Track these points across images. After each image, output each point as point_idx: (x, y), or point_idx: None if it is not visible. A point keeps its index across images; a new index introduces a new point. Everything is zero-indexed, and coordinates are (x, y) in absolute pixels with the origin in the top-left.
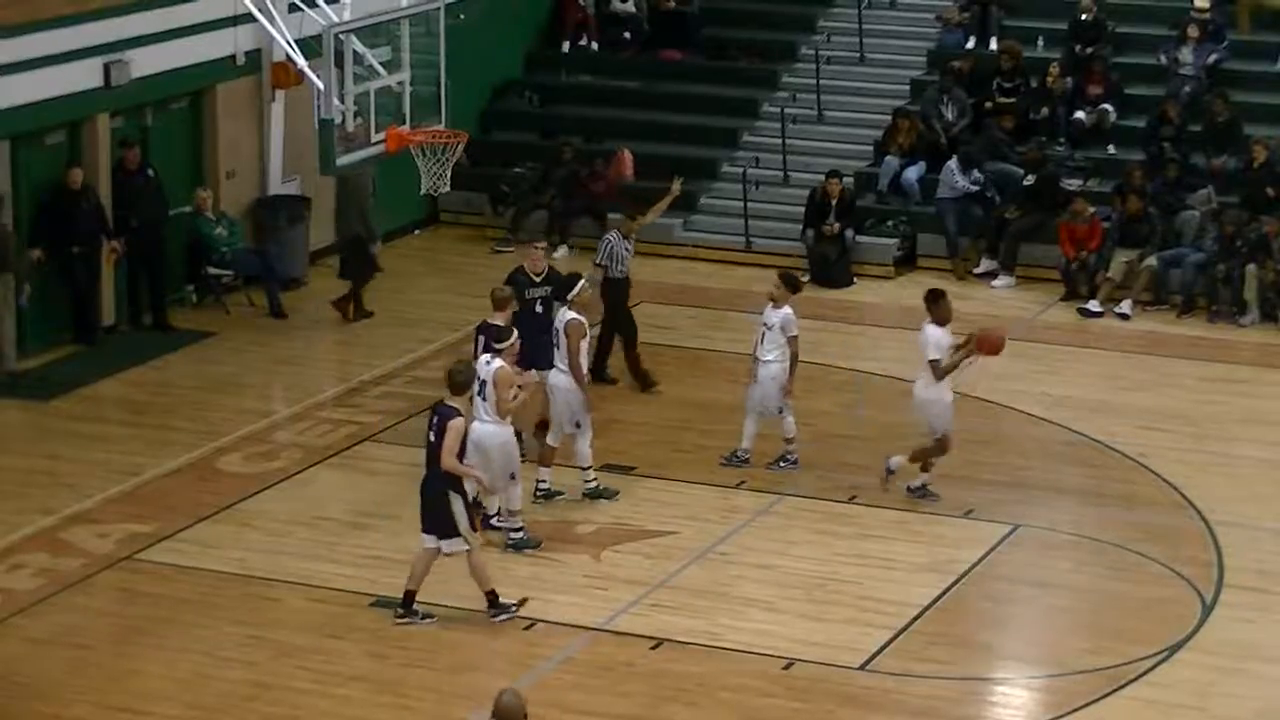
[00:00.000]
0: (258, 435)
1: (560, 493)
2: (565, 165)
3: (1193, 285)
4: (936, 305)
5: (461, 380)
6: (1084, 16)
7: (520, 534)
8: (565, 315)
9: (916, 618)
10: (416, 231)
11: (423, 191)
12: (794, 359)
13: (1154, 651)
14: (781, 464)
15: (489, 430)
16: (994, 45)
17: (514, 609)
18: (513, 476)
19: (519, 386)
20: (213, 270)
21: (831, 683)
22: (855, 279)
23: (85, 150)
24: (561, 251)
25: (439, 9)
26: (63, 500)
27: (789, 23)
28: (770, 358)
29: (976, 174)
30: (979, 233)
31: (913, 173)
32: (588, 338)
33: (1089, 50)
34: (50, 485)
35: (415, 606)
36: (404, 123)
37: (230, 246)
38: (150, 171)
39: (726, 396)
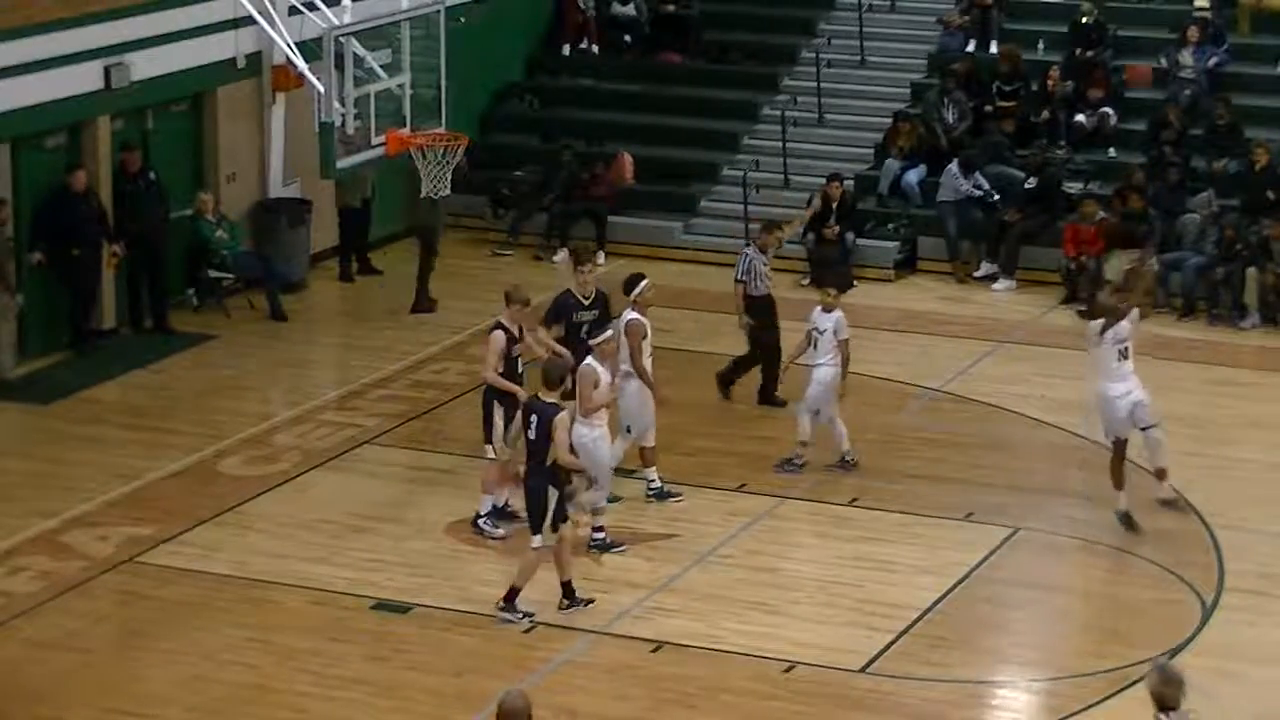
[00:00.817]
0: (258, 438)
1: (676, 495)
2: (565, 167)
3: (1193, 288)
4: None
5: (555, 375)
6: (1085, 19)
7: (601, 535)
8: (626, 315)
9: (917, 620)
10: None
11: (423, 194)
12: (846, 362)
13: (1155, 654)
14: (788, 467)
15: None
16: (994, 48)
17: (582, 604)
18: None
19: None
20: (213, 273)
21: (832, 685)
22: (856, 282)
23: (86, 153)
24: (561, 255)
25: (439, 12)
26: (63, 503)
27: (789, 26)
28: (823, 361)
29: (979, 178)
30: (980, 236)
31: (913, 176)
32: (648, 338)
33: (1089, 54)
34: (50, 488)
35: (517, 603)
36: (404, 125)
37: (230, 249)
38: (152, 175)
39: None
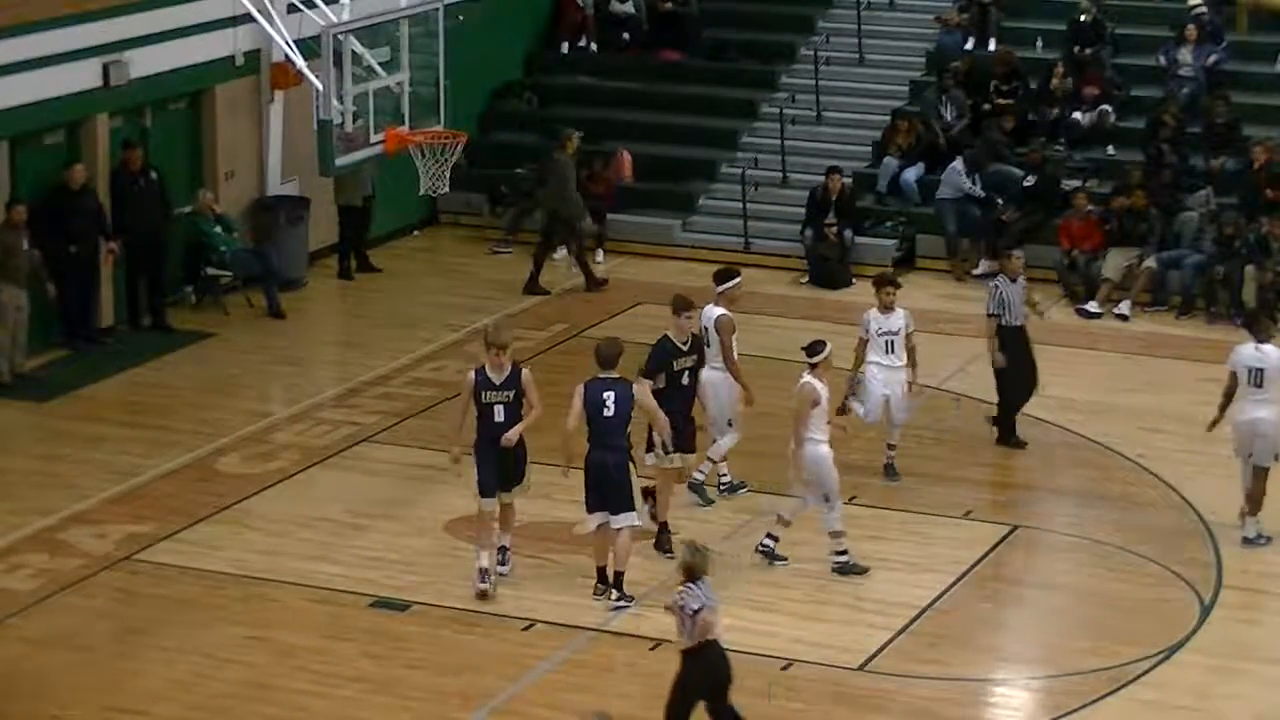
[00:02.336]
0: (257, 436)
1: (743, 485)
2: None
3: (1191, 287)
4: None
5: (611, 354)
6: (1083, 18)
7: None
8: (714, 311)
9: (915, 618)
10: (415, 232)
11: (421, 192)
12: (913, 354)
13: (1153, 652)
14: (894, 475)
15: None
16: (993, 46)
17: (626, 604)
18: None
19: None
20: (212, 271)
21: (830, 683)
22: (854, 279)
23: (84, 151)
24: (560, 254)
25: (438, 10)
26: (62, 501)
27: (788, 24)
28: (902, 363)
29: (978, 178)
30: (978, 234)
31: (911, 174)
32: (736, 331)
33: (1088, 51)
34: (49, 486)
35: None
36: (403, 123)
37: (229, 247)
38: (153, 174)
39: None
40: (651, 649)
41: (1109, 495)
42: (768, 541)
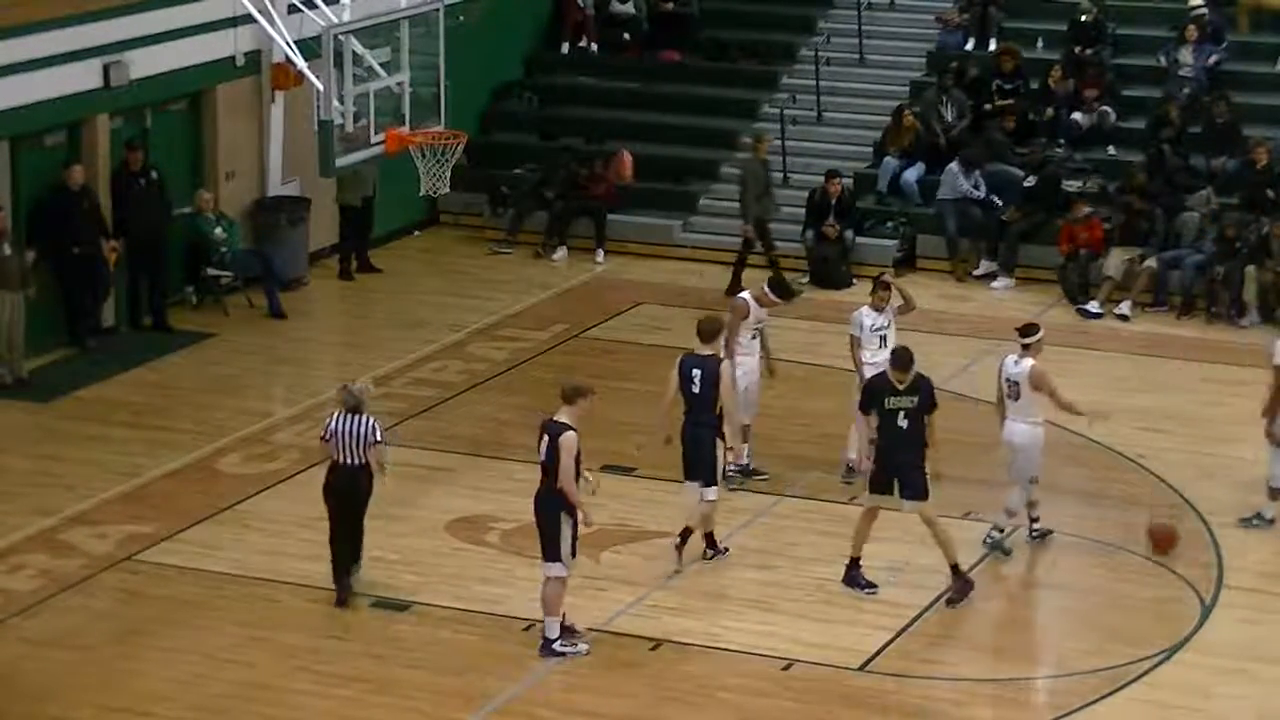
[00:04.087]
0: (257, 436)
1: (763, 474)
2: (564, 165)
3: (1192, 287)
4: None
5: (711, 329)
6: (1083, 18)
7: (999, 534)
8: (1025, 364)
9: (916, 619)
10: (416, 232)
11: (422, 192)
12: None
13: (1154, 652)
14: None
15: (1020, 429)
16: (993, 46)
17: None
18: (1034, 480)
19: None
20: (212, 271)
21: (831, 683)
22: (855, 280)
23: (85, 151)
24: (560, 254)
25: (439, 10)
26: (62, 501)
27: (788, 24)
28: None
29: (978, 179)
30: (979, 234)
31: (912, 174)
32: (749, 319)
33: (1088, 52)
34: (50, 486)
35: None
36: (404, 124)
37: (230, 247)
38: (154, 174)
39: None
40: (652, 649)
41: (1110, 495)
42: (994, 533)
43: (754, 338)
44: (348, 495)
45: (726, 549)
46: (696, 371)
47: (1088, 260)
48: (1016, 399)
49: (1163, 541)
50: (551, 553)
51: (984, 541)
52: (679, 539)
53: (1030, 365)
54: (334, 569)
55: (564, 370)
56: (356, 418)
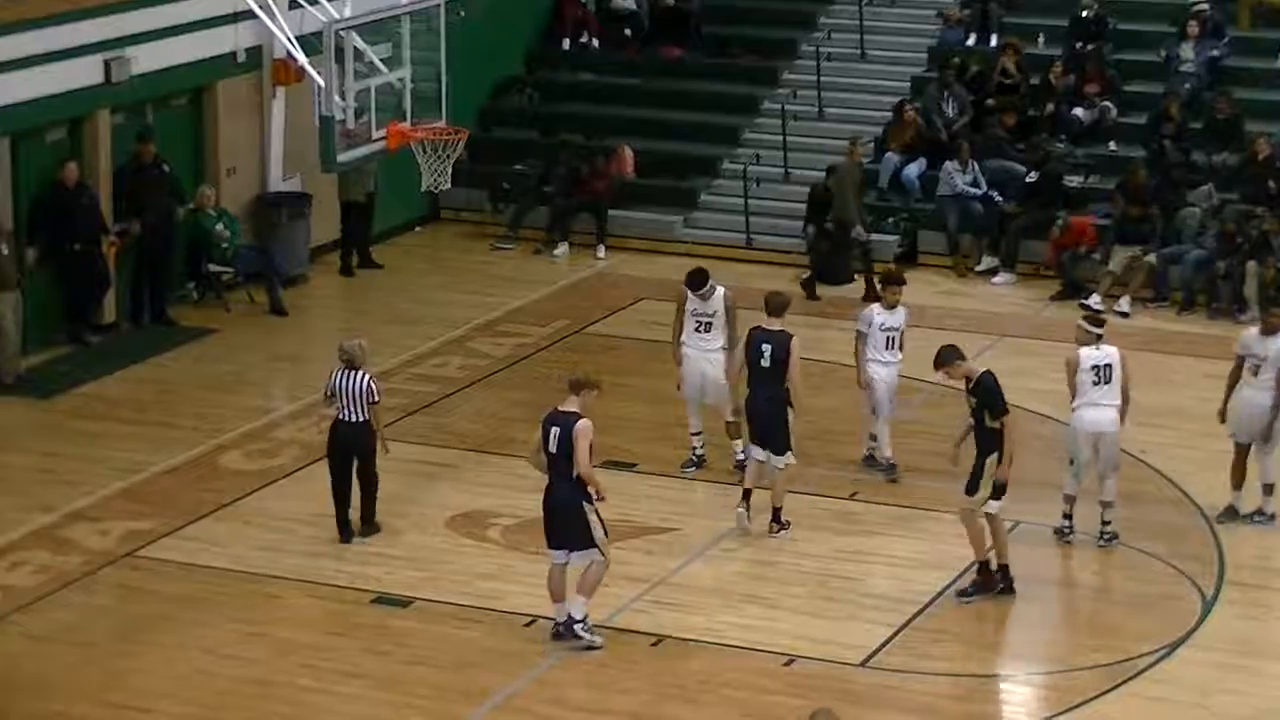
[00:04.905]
0: (258, 432)
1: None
2: (565, 161)
3: (1193, 282)
4: None
5: (779, 304)
6: (1085, 13)
7: (1110, 527)
8: (1110, 348)
9: (917, 614)
10: (417, 228)
11: (423, 188)
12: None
13: (1155, 648)
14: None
15: (1109, 416)
16: (994, 41)
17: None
18: (1115, 468)
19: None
20: (213, 267)
21: (832, 679)
22: (856, 275)
23: (86, 147)
24: (561, 250)
25: (439, 6)
26: (64, 497)
27: (789, 19)
28: (899, 359)
29: (976, 174)
30: (980, 230)
31: (913, 170)
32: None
33: (1089, 47)
34: (51, 482)
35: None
36: (405, 119)
37: (231, 244)
38: (165, 167)
39: None
40: (653, 645)
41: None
42: (1108, 529)
43: (698, 329)
44: (349, 451)
45: (788, 523)
46: (766, 346)
47: (1086, 255)
48: (1109, 382)
49: None
50: (585, 541)
51: (1100, 543)
52: (743, 501)
53: (1116, 350)
54: (338, 512)
55: (565, 366)
56: (353, 374)
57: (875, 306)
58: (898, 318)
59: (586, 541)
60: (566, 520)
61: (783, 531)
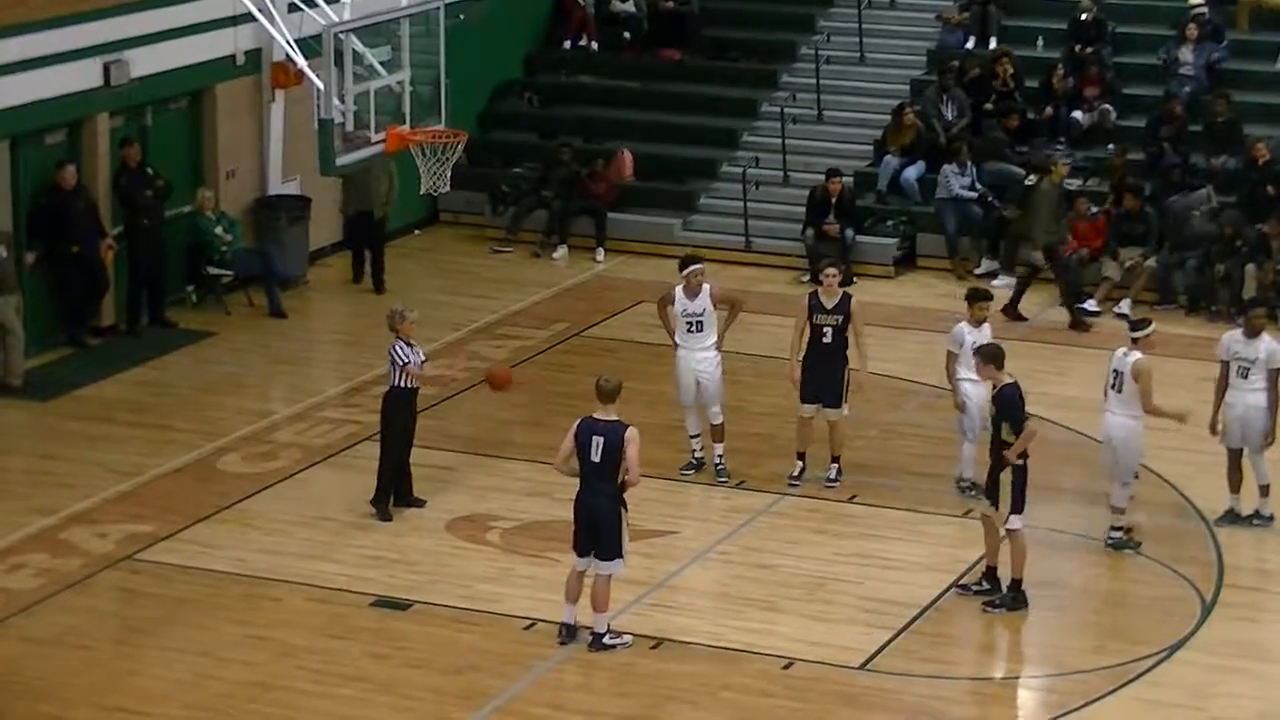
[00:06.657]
0: (258, 435)
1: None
2: (564, 165)
3: (1192, 285)
4: None
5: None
6: (1084, 16)
7: (1119, 534)
8: (1133, 356)
9: (917, 618)
10: (416, 231)
11: (422, 191)
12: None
13: (1154, 651)
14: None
15: (1118, 422)
16: (994, 44)
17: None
18: (1135, 476)
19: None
20: (212, 270)
21: (832, 682)
22: (855, 278)
23: (84, 150)
24: (560, 253)
25: (439, 9)
26: (63, 500)
27: (789, 22)
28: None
29: (973, 179)
30: (979, 233)
31: (912, 172)
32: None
33: (1088, 50)
34: (50, 485)
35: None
36: (404, 122)
37: (230, 246)
38: (149, 170)
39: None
40: (652, 648)
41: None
42: (1114, 533)
43: (689, 329)
44: (400, 418)
45: (842, 472)
46: (829, 329)
47: (1089, 259)
48: (1119, 391)
49: (498, 380)
50: (613, 550)
51: (1107, 544)
52: (798, 460)
53: (1136, 358)
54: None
55: (566, 369)
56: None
57: (964, 324)
58: (984, 335)
59: (616, 551)
60: (607, 529)
61: (837, 481)
